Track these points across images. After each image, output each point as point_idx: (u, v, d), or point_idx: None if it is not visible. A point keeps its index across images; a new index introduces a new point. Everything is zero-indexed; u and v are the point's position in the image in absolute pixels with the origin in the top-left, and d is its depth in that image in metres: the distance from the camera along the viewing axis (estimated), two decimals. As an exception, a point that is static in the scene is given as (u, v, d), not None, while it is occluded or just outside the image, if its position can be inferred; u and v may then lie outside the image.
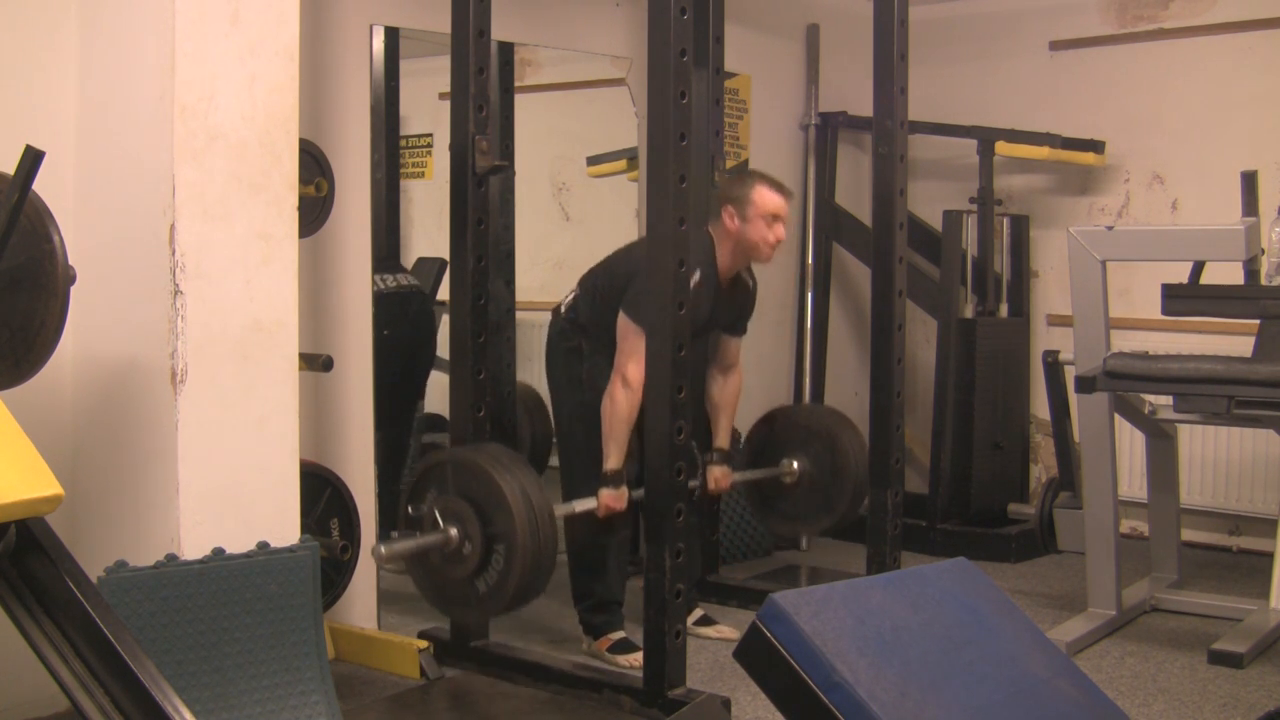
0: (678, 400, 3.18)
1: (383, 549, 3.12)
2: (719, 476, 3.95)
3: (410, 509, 3.24)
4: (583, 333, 3.73)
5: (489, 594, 3.11)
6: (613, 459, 3.51)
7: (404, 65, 4.71)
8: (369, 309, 3.89)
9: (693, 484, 3.53)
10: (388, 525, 4.53)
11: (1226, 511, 5.10)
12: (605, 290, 3.69)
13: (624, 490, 3.52)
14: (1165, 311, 3.87)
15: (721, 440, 3.97)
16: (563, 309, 3.81)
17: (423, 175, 5.44)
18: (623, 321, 3.53)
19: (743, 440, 4.37)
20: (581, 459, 3.72)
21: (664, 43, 3.16)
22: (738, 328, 3.94)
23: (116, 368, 2.95)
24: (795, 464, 4.12)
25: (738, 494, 4.94)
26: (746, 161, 5.25)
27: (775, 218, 3.65)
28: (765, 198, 3.65)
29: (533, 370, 4.95)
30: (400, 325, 4.51)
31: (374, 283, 3.96)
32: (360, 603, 3.80)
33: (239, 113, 2.88)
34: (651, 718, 3.22)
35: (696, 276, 3.36)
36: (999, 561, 4.94)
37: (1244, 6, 5.00)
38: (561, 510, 3.43)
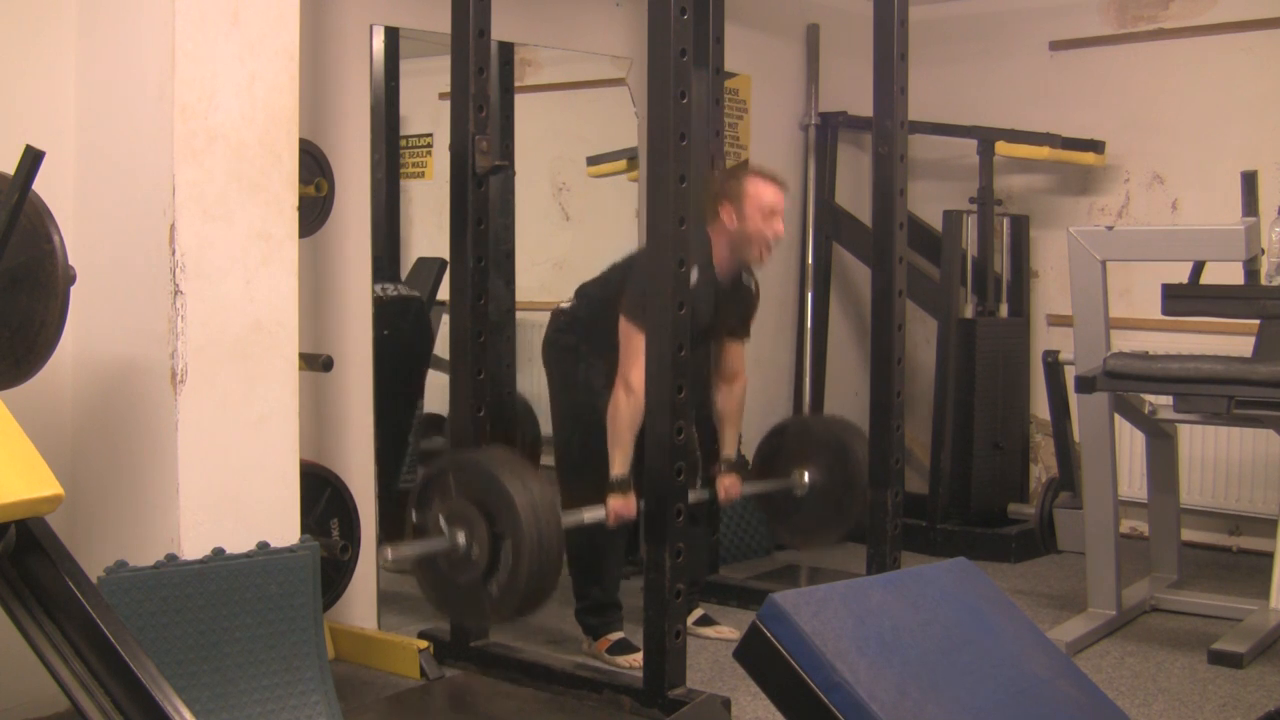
0: (678, 400, 3.18)
1: (389, 551, 3.09)
2: (728, 485, 3.89)
3: (416, 516, 3.22)
4: (580, 335, 3.73)
5: (501, 595, 3.07)
6: (618, 465, 3.46)
7: (404, 65, 4.71)
8: (369, 309, 3.89)
9: (700, 496, 3.51)
10: (387, 525, 4.53)
11: (1226, 511, 5.09)
12: (603, 292, 3.68)
13: (632, 497, 3.45)
14: (1165, 311, 3.87)
15: (728, 450, 3.95)
16: (561, 311, 3.81)
17: (423, 175, 5.44)
18: (624, 325, 3.48)
19: (751, 456, 4.34)
20: (578, 459, 3.74)
21: (664, 43, 3.15)
22: (740, 331, 3.90)
23: (116, 368, 2.95)
24: (806, 476, 4.08)
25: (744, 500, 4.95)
26: (746, 162, 5.25)
27: (772, 212, 3.60)
28: (762, 191, 3.59)
29: (532, 371, 4.95)
30: (399, 329, 4.53)
31: (373, 291, 3.97)
32: (360, 603, 3.80)
33: (239, 113, 2.88)
34: (651, 718, 3.22)
35: (695, 275, 3.32)
36: (999, 561, 4.94)
37: (1244, 6, 5.00)
38: (570, 519, 3.39)
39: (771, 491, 4.14)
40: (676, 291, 3.18)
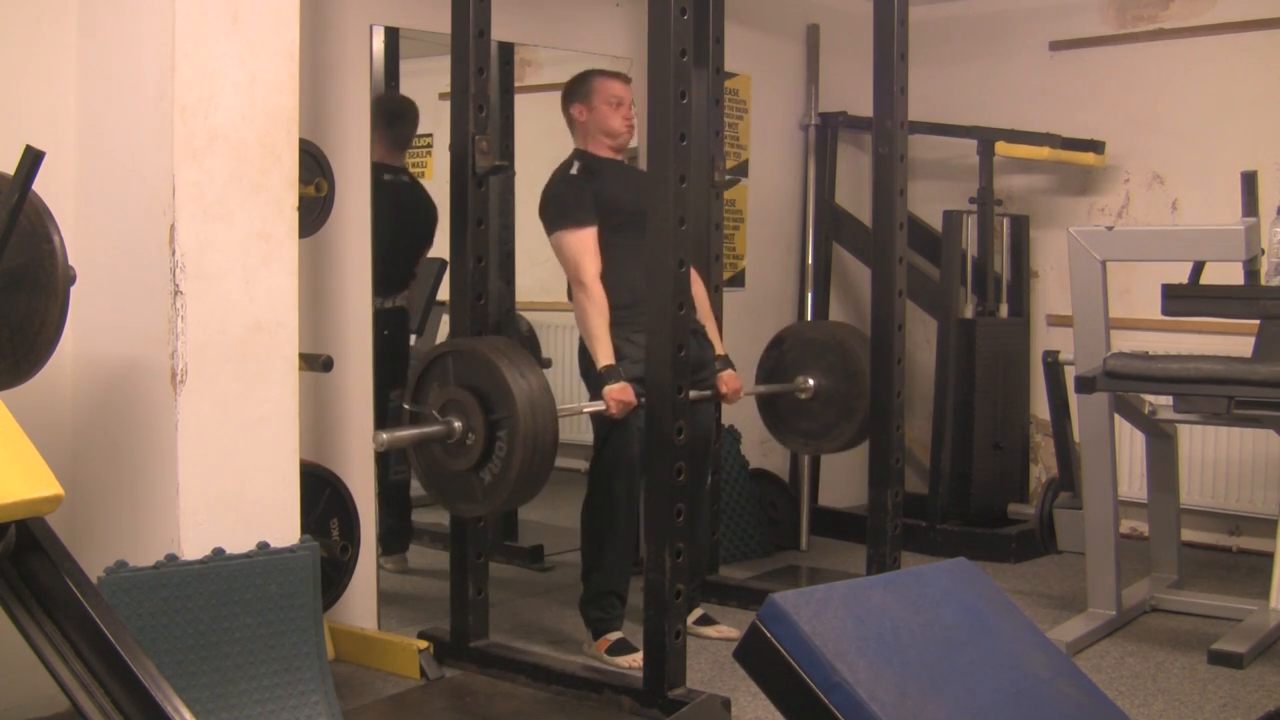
0: (678, 400, 3.18)
1: (384, 436, 3.09)
2: (729, 380, 3.90)
3: (413, 401, 3.24)
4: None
5: (494, 483, 3.11)
6: (601, 356, 3.57)
7: (404, 65, 4.72)
8: (369, 309, 3.89)
9: (703, 395, 3.54)
10: (388, 525, 4.53)
11: (1226, 511, 5.10)
12: None
13: (626, 384, 3.53)
14: (1165, 311, 3.87)
15: (718, 347, 3.98)
16: None
17: (423, 175, 5.44)
18: (556, 240, 3.69)
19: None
20: (617, 457, 3.72)
21: (664, 43, 3.16)
22: None
23: (116, 368, 2.95)
24: (810, 380, 4.10)
25: (740, 490, 4.95)
26: (747, 162, 5.25)
27: (620, 101, 3.82)
28: (606, 85, 3.83)
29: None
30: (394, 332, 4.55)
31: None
32: (360, 603, 3.80)
33: (239, 113, 2.88)
34: (651, 718, 3.22)
35: (575, 167, 3.72)
36: (999, 561, 4.94)
37: (1244, 6, 5.00)
38: (568, 410, 3.41)
39: (775, 394, 4.16)
40: (677, 291, 3.18)
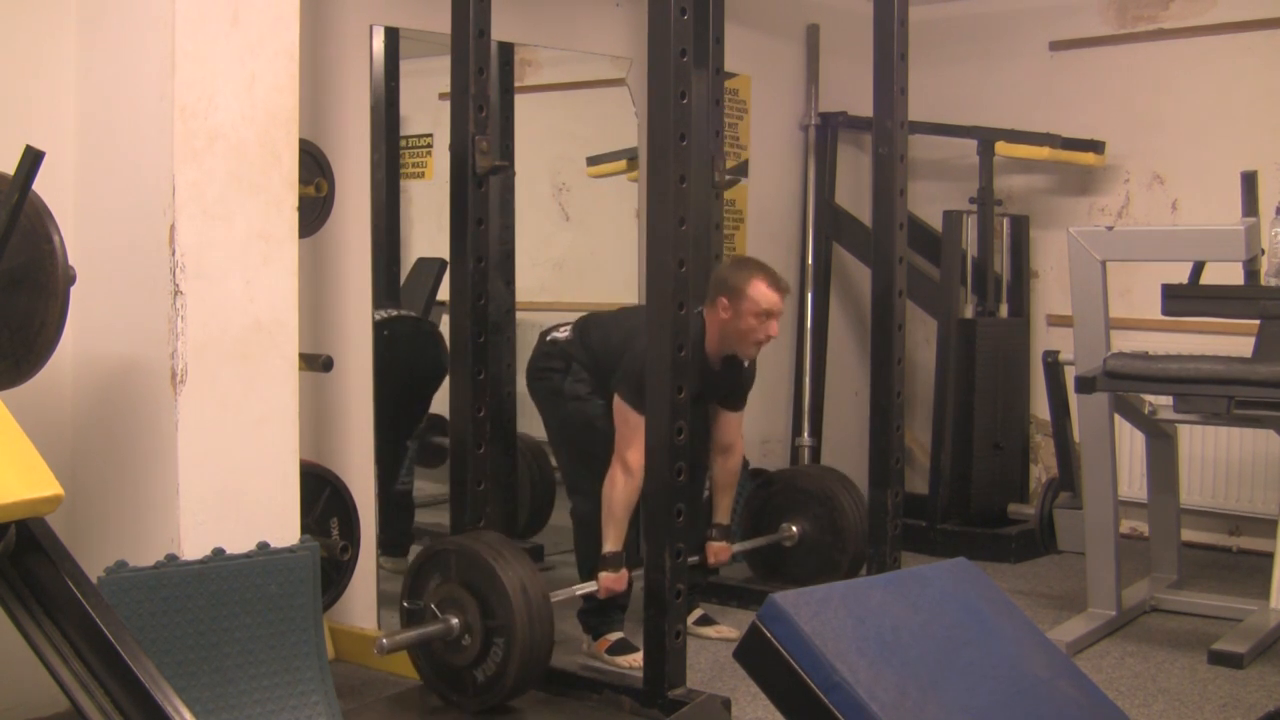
0: (677, 400, 3.18)
1: (385, 641, 3.14)
2: (718, 550, 3.97)
3: (412, 596, 3.28)
4: (568, 358, 3.77)
5: (487, 684, 3.17)
6: (611, 542, 3.54)
7: (404, 65, 4.71)
8: (369, 309, 3.88)
9: (692, 560, 3.54)
10: (386, 525, 4.52)
11: (1226, 511, 5.10)
12: (600, 344, 3.72)
13: (624, 572, 3.55)
14: (1165, 311, 3.87)
15: (722, 516, 3.99)
16: (549, 336, 3.84)
17: (423, 175, 5.44)
18: (619, 405, 3.53)
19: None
20: (575, 463, 3.82)
21: (664, 43, 3.15)
22: (733, 403, 3.89)
23: (116, 368, 2.95)
24: (795, 528, 4.20)
25: (740, 490, 4.94)
26: (747, 162, 5.25)
27: (769, 315, 3.59)
28: (761, 294, 3.57)
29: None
30: (404, 341, 4.54)
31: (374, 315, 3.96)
32: (360, 603, 3.80)
33: (239, 113, 2.88)
34: (651, 718, 3.22)
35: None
36: (999, 561, 4.94)
37: (1244, 6, 5.00)
38: (562, 594, 3.49)
39: (761, 547, 4.25)
40: (677, 291, 3.17)
